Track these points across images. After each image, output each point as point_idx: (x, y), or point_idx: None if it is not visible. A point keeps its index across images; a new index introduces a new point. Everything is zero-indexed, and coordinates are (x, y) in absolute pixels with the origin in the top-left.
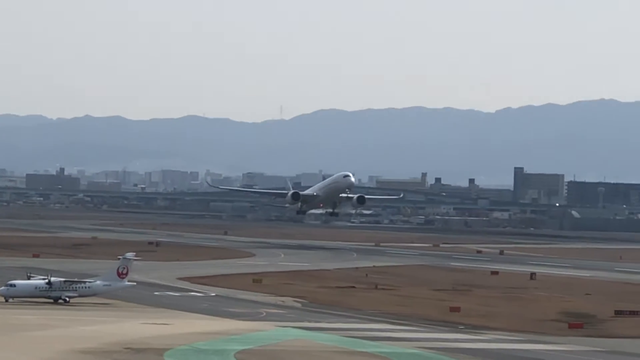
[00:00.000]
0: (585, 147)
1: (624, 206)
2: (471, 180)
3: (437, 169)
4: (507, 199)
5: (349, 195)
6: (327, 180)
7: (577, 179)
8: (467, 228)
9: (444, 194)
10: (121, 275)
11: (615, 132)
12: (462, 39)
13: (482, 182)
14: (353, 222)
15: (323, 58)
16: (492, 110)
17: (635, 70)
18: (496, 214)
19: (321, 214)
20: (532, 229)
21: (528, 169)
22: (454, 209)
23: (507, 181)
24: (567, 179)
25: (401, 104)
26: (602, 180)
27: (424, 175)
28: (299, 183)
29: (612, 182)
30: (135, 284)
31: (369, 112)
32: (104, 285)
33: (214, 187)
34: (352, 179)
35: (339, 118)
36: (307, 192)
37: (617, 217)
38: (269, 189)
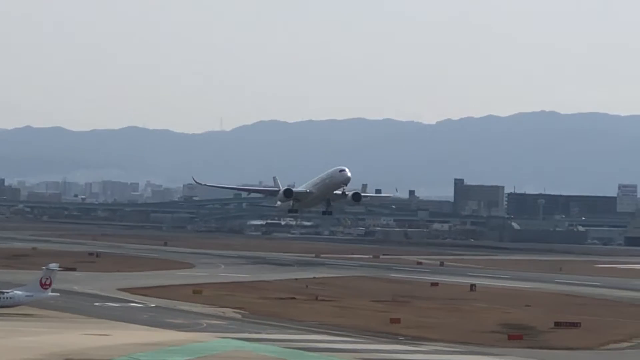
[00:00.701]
0: (526, 159)
1: (564, 217)
2: (411, 192)
3: (378, 180)
4: (447, 210)
5: (344, 192)
6: (321, 175)
7: (517, 191)
8: (407, 239)
9: (393, 207)
10: (44, 285)
11: (556, 143)
12: (403, 50)
13: (423, 193)
14: (293, 234)
15: (262, 69)
16: (433, 122)
17: (575, 82)
18: (436, 226)
19: (261, 225)
20: (472, 240)
21: (468, 181)
22: (394, 220)
23: (447, 192)
24: (507, 190)
25: (342, 115)
26: (542, 191)
27: (364, 186)
28: (239, 194)
29: (551, 193)
30: (58, 294)
31: (310, 123)
32: (26, 296)
33: (200, 183)
34: (349, 174)
35: (279, 129)
36: (299, 189)
37: (557, 229)
38: (260, 187)
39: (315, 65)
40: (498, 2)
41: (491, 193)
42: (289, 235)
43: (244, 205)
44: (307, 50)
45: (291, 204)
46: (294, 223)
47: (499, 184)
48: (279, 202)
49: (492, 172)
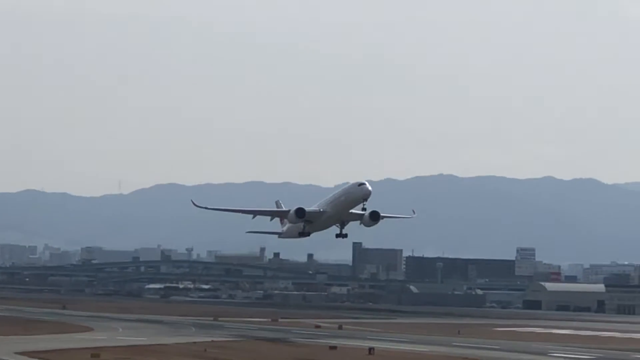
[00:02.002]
0: (424, 222)
1: (462, 281)
2: (310, 255)
3: (276, 244)
4: (345, 273)
5: (360, 211)
6: (336, 193)
7: (416, 254)
8: (306, 303)
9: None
10: None
11: (454, 207)
12: (302, 113)
13: (321, 256)
14: (192, 297)
15: (161, 133)
16: (331, 185)
17: (473, 146)
18: (335, 289)
19: (160, 289)
20: (370, 303)
21: (366, 244)
22: (293, 283)
23: (345, 256)
24: (405, 253)
25: (241, 178)
26: (440, 255)
27: (262, 249)
28: (138, 257)
29: (450, 257)
30: None
31: (208, 186)
32: None
33: (198, 206)
34: (370, 188)
35: (177, 192)
36: (312, 208)
37: (456, 292)
38: (267, 209)
39: (213, 129)
40: (393, 67)
41: (389, 256)
42: (188, 298)
43: (142, 268)
44: (205, 112)
45: (302, 226)
46: (191, 286)
47: (397, 248)
48: (286, 227)
49: (390, 235)
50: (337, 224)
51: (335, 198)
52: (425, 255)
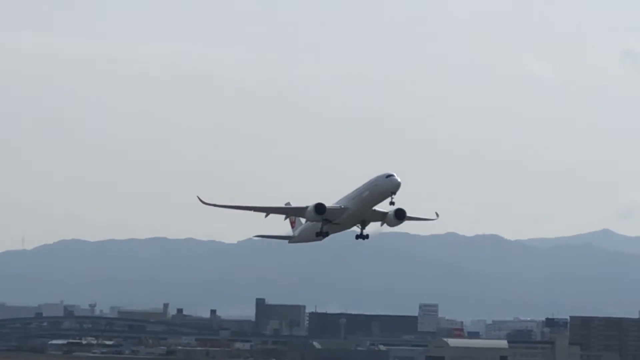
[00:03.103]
0: (327, 278)
1: (365, 337)
2: (213, 311)
3: (179, 300)
4: (249, 329)
5: (383, 210)
6: (359, 187)
7: (319, 310)
8: (210, 359)
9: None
10: None
11: (358, 263)
12: (203, 175)
13: (224, 312)
14: (95, 353)
15: (65, 186)
16: (234, 241)
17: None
18: (238, 345)
19: (63, 344)
20: (273, 359)
21: (270, 300)
22: (196, 339)
23: (249, 312)
24: (308, 309)
25: (143, 234)
26: (343, 311)
27: (165, 305)
28: (41, 313)
29: (353, 313)
30: None
31: (111, 242)
32: None
33: (207, 203)
34: (399, 179)
35: (81, 248)
36: (333, 205)
37: (359, 348)
38: (282, 206)
39: (116, 182)
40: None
41: (293, 312)
42: (91, 354)
43: (45, 324)
44: (105, 170)
45: (320, 225)
46: (95, 342)
47: (300, 304)
48: (298, 230)
49: (293, 291)
50: (358, 224)
51: (358, 193)
52: (328, 312)
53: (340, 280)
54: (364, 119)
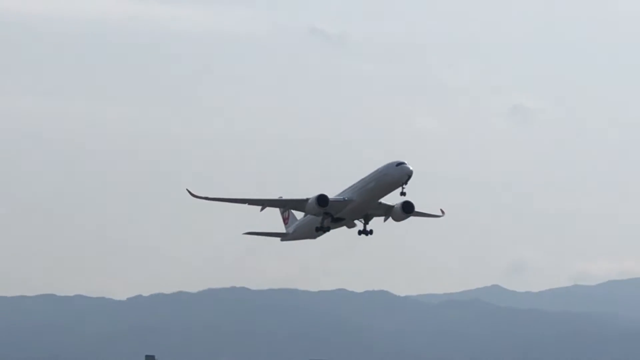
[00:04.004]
0: (216, 334)
1: None
2: None
3: (71, 357)
4: None
5: (389, 203)
6: (364, 178)
7: None
8: None
9: None
10: None
11: (246, 319)
12: (110, 232)
13: None
14: None
15: None
16: (124, 298)
17: (264, 258)
18: None
19: None
20: None
21: (159, 358)
22: None
23: None
24: None
25: (32, 291)
26: None
27: None
28: None
29: None
30: None
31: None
32: None
33: (199, 197)
34: (411, 167)
35: None
36: (336, 197)
37: None
38: (278, 198)
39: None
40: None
41: None
42: None
43: None
44: None
45: (320, 219)
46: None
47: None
48: (294, 225)
49: (185, 347)
50: (361, 219)
51: (364, 184)
52: None
53: (230, 336)
54: None
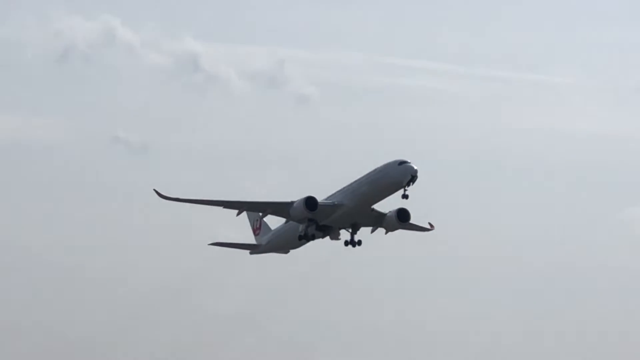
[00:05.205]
0: None
1: None
2: None
3: None
4: None
5: (382, 211)
6: (358, 179)
7: None
8: None
9: None
10: None
11: None
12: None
13: None
14: None
15: None
16: None
17: None
18: None
19: None
20: None
21: None
22: None
23: None
24: None
25: None
26: None
27: None
28: None
29: None
30: None
31: None
32: None
33: (168, 198)
34: (415, 167)
35: None
36: (324, 200)
37: None
38: (259, 200)
39: None
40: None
41: None
42: None
43: None
44: None
45: (305, 226)
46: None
47: None
48: (273, 232)
49: None
50: (348, 228)
51: (357, 186)
52: None
53: None
54: None
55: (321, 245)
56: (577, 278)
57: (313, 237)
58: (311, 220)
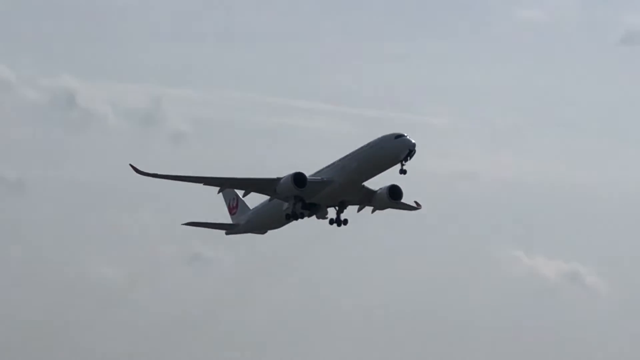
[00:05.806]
0: None
1: None
2: None
3: None
4: None
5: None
6: (351, 153)
7: None
8: None
9: None
10: None
11: None
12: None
13: None
14: None
15: None
16: None
17: None
18: None
19: None
20: None
21: None
22: None
23: None
24: None
25: None
26: None
27: None
28: None
29: None
30: None
31: None
32: None
33: (145, 173)
34: (413, 140)
35: None
36: (312, 176)
37: None
38: (243, 177)
39: None
40: None
41: None
42: None
43: None
44: None
45: (292, 203)
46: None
47: None
48: (254, 210)
49: None
50: (335, 206)
51: (349, 162)
52: None
53: None
54: None
55: (301, 225)
56: None
57: (302, 216)
58: (297, 198)
